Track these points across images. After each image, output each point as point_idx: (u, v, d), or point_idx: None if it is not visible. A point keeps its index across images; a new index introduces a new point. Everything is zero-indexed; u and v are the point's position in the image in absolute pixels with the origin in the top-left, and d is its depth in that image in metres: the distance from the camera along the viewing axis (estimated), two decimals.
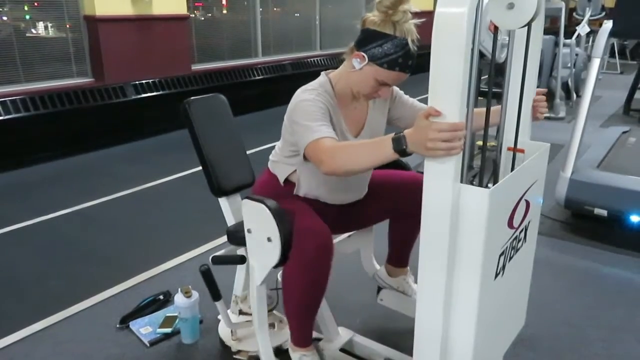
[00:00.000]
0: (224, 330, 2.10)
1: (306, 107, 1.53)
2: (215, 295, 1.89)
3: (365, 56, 1.51)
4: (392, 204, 1.87)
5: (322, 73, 1.68)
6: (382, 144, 1.32)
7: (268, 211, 1.55)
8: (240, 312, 2.04)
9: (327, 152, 1.43)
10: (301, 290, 1.60)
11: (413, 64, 1.53)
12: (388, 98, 1.78)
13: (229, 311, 2.22)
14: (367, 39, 1.51)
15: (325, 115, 1.54)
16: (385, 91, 1.58)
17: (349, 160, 1.41)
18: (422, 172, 1.26)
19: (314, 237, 1.54)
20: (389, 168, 1.91)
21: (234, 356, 2.01)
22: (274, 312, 2.05)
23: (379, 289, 2.20)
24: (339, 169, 1.43)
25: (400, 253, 2.04)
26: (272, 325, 2.07)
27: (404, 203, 1.80)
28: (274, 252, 1.57)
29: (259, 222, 1.60)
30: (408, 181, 1.82)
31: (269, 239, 1.57)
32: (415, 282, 1.94)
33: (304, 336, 1.71)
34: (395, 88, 1.80)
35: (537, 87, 1.68)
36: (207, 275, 1.85)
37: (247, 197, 1.65)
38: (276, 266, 1.61)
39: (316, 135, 1.47)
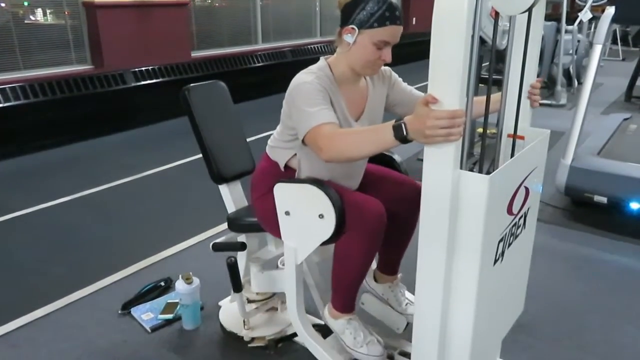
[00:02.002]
0: (225, 317, 2.12)
1: (305, 91, 1.52)
2: (237, 286, 1.90)
3: (355, 27, 1.52)
4: (388, 207, 1.86)
5: (321, 58, 1.67)
6: (382, 130, 1.32)
7: (318, 189, 1.55)
8: (248, 300, 2.04)
9: (326, 138, 1.44)
10: (361, 259, 1.63)
11: (400, 14, 1.55)
12: (388, 77, 1.77)
13: (228, 299, 2.24)
14: (349, 12, 1.53)
15: (325, 98, 1.54)
16: (386, 53, 1.57)
17: (349, 146, 1.42)
18: (422, 165, 1.26)
19: (372, 208, 1.57)
20: (387, 165, 1.92)
21: (250, 345, 2.02)
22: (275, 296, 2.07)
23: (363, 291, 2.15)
24: (340, 155, 1.44)
25: (391, 260, 1.97)
26: (274, 309, 2.09)
27: (399, 206, 1.78)
28: (328, 227, 1.56)
29: (303, 201, 1.59)
30: (405, 186, 1.81)
31: (320, 216, 1.56)
32: (409, 292, 1.94)
33: (352, 301, 1.75)
34: (394, 73, 1.80)
35: (538, 73, 1.67)
36: (233, 268, 1.86)
37: (281, 181, 1.64)
38: (326, 242, 1.62)
39: (315, 122, 1.47)
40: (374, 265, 2.03)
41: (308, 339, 1.78)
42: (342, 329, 1.74)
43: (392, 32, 1.53)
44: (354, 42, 1.54)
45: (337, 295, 1.74)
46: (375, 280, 2.00)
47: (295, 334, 2.00)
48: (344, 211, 1.56)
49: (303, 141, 1.54)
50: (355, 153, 1.43)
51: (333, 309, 1.75)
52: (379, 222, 1.57)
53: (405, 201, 1.76)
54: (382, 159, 1.95)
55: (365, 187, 1.84)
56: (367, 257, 1.64)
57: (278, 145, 1.74)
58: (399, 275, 1.99)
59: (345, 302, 1.74)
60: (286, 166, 1.74)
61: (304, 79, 1.55)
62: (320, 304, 2.03)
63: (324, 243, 1.62)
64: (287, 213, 1.64)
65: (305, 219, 1.61)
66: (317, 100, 1.51)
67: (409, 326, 1.89)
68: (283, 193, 1.63)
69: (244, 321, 2.01)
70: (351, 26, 1.52)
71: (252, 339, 2.02)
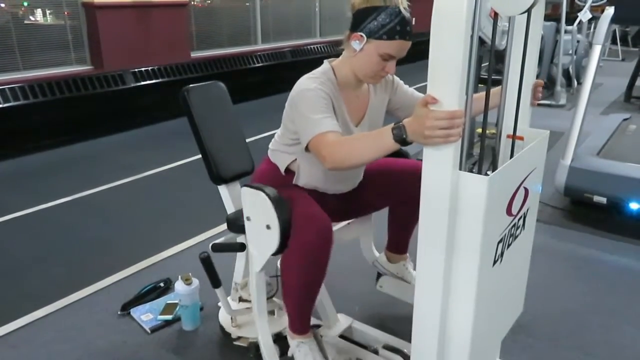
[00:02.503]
0: (224, 317, 2.11)
1: (309, 98, 1.52)
2: (215, 282, 1.90)
3: (363, 35, 1.51)
4: (391, 191, 1.87)
5: (325, 61, 1.67)
6: (382, 135, 1.32)
7: (267, 199, 1.56)
8: (240, 299, 2.05)
9: (329, 147, 1.43)
10: (300, 277, 1.60)
11: (411, 29, 1.53)
12: (391, 82, 1.78)
13: (229, 298, 2.23)
14: (361, 19, 1.51)
15: (328, 105, 1.53)
16: (391, 66, 1.57)
17: (351, 154, 1.42)
18: (422, 160, 1.26)
19: (314, 224, 1.54)
20: (389, 155, 1.91)
21: (234, 342, 2.03)
22: (274, 299, 2.06)
23: (378, 276, 2.21)
24: (343, 163, 1.44)
25: (400, 239, 2.04)
26: (271, 312, 2.08)
27: (403, 190, 1.80)
28: (273, 239, 1.58)
29: (257, 209, 1.61)
30: (407, 168, 1.82)
31: (267, 227, 1.57)
32: (415, 268, 1.96)
33: (302, 323, 1.72)
34: (396, 78, 1.80)
35: (538, 74, 1.67)
36: (206, 263, 1.85)
37: (246, 185, 1.65)
38: (275, 254, 1.62)
39: (319, 130, 1.46)
40: (377, 254, 2.07)
41: (263, 348, 1.77)
42: (294, 349, 1.72)
43: (400, 47, 1.52)
44: (361, 50, 1.54)
45: (288, 315, 1.72)
46: (389, 260, 2.07)
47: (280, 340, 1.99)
48: (289, 224, 1.54)
49: (306, 148, 1.53)
50: (357, 160, 1.43)
51: (288, 327, 1.74)
52: (317, 239, 1.54)
53: (408, 183, 1.75)
54: None
55: (367, 176, 1.85)
56: (307, 275, 1.59)
57: (279, 149, 1.74)
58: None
59: (294, 322, 1.71)
60: (287, 170, 1.74)
61: (308, 86, 1.54)
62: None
63: (275, 254, 1.61)
64: (248, 218, 1.66)
65: (259, 227, 1.62)
66: (321, 107, 1.51)
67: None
68: (246, 197, 1.64)
69: (231, 318, 2.02)
70: (360, 33, 1.51)
71: (239, 337, 2.02)
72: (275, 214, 1.54)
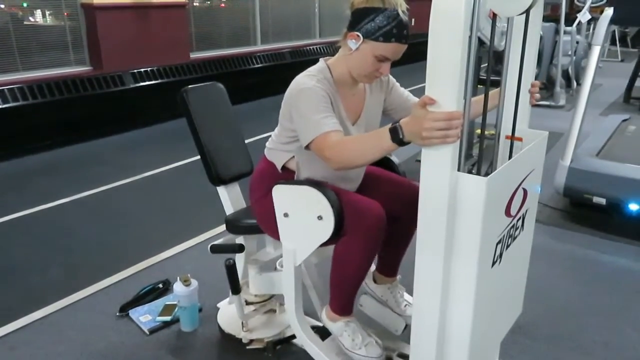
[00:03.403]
0: (223, 319, 2.11)
1: (309, 96, 1.52)
2: (236, 289, 1.89)
3: (360, 35, 1.51)
4: (387, 202, 1.86)
5: (321, 59, 1.67)
6: (381, 135, 1.34)
7: (317, 191, 1.55)
8: (246, 302, 2.03)
9: (334, 148, 1.45)
10: (360, 261, 1.63)
11: (408, 33, 1.52)
12: (386, 82, 1.77)
13: (226, 301, 2.23)
14: (359, 18, 1.51)
15: (327, 104, 1.53)
16: (385, 67, 1.57)
17: (354, 154, 1.44)
18: (420, 161, 1.26)
19: (372, 211, 1.57)
20: (384, 168, 1.92)
21: (248, 347, 2.01)
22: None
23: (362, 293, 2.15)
24: (347, 164, 1.47)
25: (390, 261, 1.97)
26: (273, 311, 2.08)
27: (398, 208, 1.78)
28: (327, 228, 1.56)
29: (302, 203, 1.60)
30: (404, 188, 1.80)
31: (319, 217, 1.56)
32: (408, 294, 1.94)
33: (350, 304, 1.75)
34: (392, 78, 1.79)
35: (537, 75, 1.67)
36: (231, 270, 1.86)
37: (279, 183, 1.64)
38: (325, 244, 1.62)
39: (321, 130, 1.47)
40: (373, 267, 2.03)
41: (307, 340, 1.78)
42: (340, 331, 1.73)
43: (395, 50, 1.52)
44: (356, 49, 1.54)
45: (335, 298, 1.74)
46: (375, 281, 2.00)
47: (293, 336, 1.99)
48: (342, 213, 1.56)
49: (307, 147, 1.53)
50: (360, 160, 1.46)
51: (331, 311, 1.75)
52: (377, 225, 1.57)
53: (404, 203, 1.76)
54: (380, 160, 1.95)
55: (364, 188, 1.84)
56: (365, 259, 1.63)
57: (275, 147, 1.74)
58: (398, 277, 1.98)
59: (343, 304, 1.74)
60: (284, 168, 1.74)
61: (306, 84, 1.54)
62: (318, 306, 2.02)
63: (323, 244, 1.62)
64: (285, 215, 1.64)
65: (304, 220, 1.61)
66: (321, 106, 1.51)
67: (407, 328, 1.89)
68: (281, 195, 1.63)
69: (242, 323, 2.01)
70: (357, 33, 1.51)
71: (251, 341, 2.01)
72: (328, 203, 1.54)
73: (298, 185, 1.61)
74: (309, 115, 1.50)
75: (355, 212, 1.57)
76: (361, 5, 1.51)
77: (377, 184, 1.85)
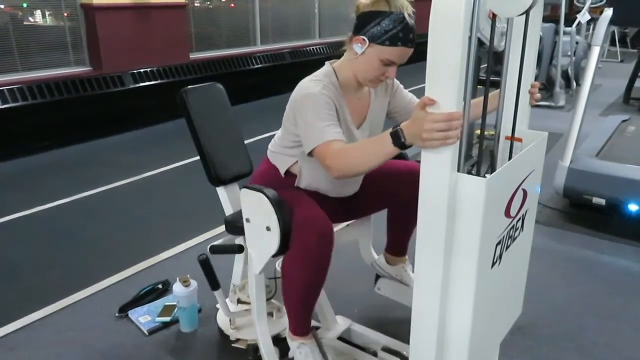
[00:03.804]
0: (222, 319, 2.11)
1: (313, 103, 1.51)
2: (214, 284, 1.89)
3: (366, 39, 1.50)
4: (390, 193, 1.87)
5: (327, 63, 1.66)
6: (382, 140, 1.33)
7: (267, 200, 1.55)
8: (239, 301, 2.04)
9: (335, 157, 1.45)
10: (301, 279, 1.60)
11: (414, 37, 1.52)
12: (391, 85, 1.78)
13: (227, 300, 2.23)
14: (364, 22, 1.50)
15: (331, 111, 1.53)
16: (391, 71, 1.56)
17: (355, 162, 1.43)
18: (420, 161, 1.26)
19: (315, 226, 1.54)
20: None
21: (233, 345, 2.02)
22: (272, 300, 2.06)
23: (377, 278, 2.20)
24: (349, 172, 1.47)
25: (399, 242, 2.04)
26: (270, 314, 2.08)
27: (402, 192, 1.80)
28: (273, 241, 1.58)
29: (257, 211, 1.60)
30: (405, 170, 1.82)
31: (267, 228, 1.57)
32: (413, 270, 1.96)
33: (302, 325, 1.72)
34: (396, 81, 1.80)
35: (537, 75, 1.68)
36: (205, 265, 1.85)
37: (246, 186, 1.65)
38: (275, 255, 1.62)
39: (323, 138, 1.47)
40: (382, 250, 2.07)
41: (263, 350, 1.77)
42: (294, 351, 1.72)
43: (402, 54, 1.52)
44: (362, 53, 1.53)
45: (289, 317, 1.72)
46: (388, 263, 2.07)
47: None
48: (289, 226, 1.54)
49: (310, 154, 1.53)
50: (362, 168, 1.45)
51: (288, 329, 1.74)
52: (318, 241, 1.54)
53: (407, 185, 1.74)
54: None
55: (366, 178, 1.85)
56: (309, 277, 1.59)
57: (279, 151, 1.73)
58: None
59: (295, 324, 1.71)
60: (287, 172, 1.73)
61: (312, 89, 1.53)
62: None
63: (276, 256, 1.61)
64: (247, 220, 1.65)
65: (259, 229, 1.62)
66: (325, 114, 1.51)
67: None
68: (246, 199, 1.64)
69: (229, 320, 2.01)
70: (363, 37, 1.51)
71: (237, 340, 2.01)
72: (275, 215, 1.54)
73: (257, 192, 1.60)
74: (313, 122, 1.50)
75: (299, 227, 1.55)
76: (367, 9, 1.50)
77: (379, 179, 1.86)
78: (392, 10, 1.47)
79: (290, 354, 1.74)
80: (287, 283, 1.63)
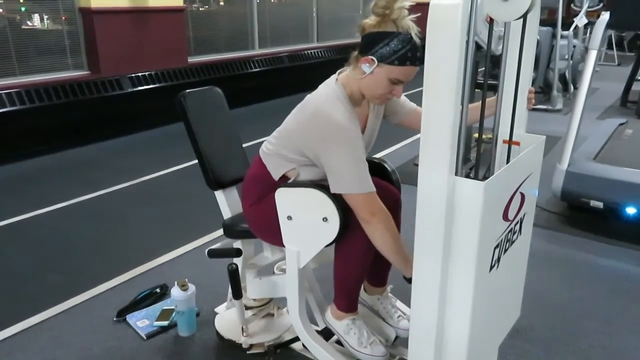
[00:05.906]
0: (221, 324, 2.10)
1: (347, 139, 1.52)
2: (237, 294, 1.89)
3: (374, 59, 1.51)
4: None
5: (333, 80, 1.64)
6: (406, 262, 1.58)
7: (323, 193, 1.57)
8: (246, 307, 2.02)
9: (382, 219, 1.56)
10: (365, 255, 1.67)
11: (422, 55, 1.51)
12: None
13: (224, 306, 2.23)
14: (372, 42, 1.51)
15: (363, 147, 1.58)
16: (398, 90, 1.58)
17: (383, 243, 1.58)
18: (417, 165, 1.26)
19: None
20: (375, 175, 1.92)
21: (249, 352, 1.99)
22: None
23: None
24: (374, 240, 1.58)
25: (376, 270, 1.92)
26: (270, 315, 2.08)
27: None
28: (331, 230, 1.59)
29: (307, 206, 1.61)
30: (385, 195, 1.79)
31: (324, 219, 1.58)
32: (400, 303, 1.95)
33: (356, 301, 1.79)
34: None
35: (534, 79, 1.68)
36: (233, 274, 1.85)
37: (283, 186, 1.65)
38: (330, 244, 1.64)
39: (367, 188, 1.54)
40: None
41: (311, 342, 1.78)
42: (346, 330, 1.75)
43: (410, 72, 1.54)
44: (370, 73, 1.54)
45: (341, 296, 1.76)
46: (364, 290, 1.99)
47: (293, 340, 1.99)
48: (347, 214, 1.57)
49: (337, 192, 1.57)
50: (380, 249, 1.60)
51: (337, 309, 1.77)
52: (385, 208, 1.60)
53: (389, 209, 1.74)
54: (373, 165, 1.93)
55: None
56: (369, 254, 1.67)
57: (276, 155, 1.71)
58: (389, 287, 1.98)
59: (349, 301, 1.76)
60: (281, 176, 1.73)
61: (341, 121, 1.53)
62: (316, 310, 2.02)
63: (329, 244, 1.64)
64: (289, 217, 1.65)
65: (309, 222, 1.62)
66: (360, 154, 1.54)
67: (398, 339, 1.89)
68: (284, 198, 1.64)
69: (242, 328, 2.00)
70: (371, 57, 1.51)
71: (251, 346, 2.00)
72: (334, 205, 1.55)
73: (302, 188, 1.62)
74: (350, 164, 1.53)
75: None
76: (374, 29, 1.51)
77: None
78: (400, 31, 1.48)
79: (342, 332, 1.76)
80: (350, 263, 1.69)
